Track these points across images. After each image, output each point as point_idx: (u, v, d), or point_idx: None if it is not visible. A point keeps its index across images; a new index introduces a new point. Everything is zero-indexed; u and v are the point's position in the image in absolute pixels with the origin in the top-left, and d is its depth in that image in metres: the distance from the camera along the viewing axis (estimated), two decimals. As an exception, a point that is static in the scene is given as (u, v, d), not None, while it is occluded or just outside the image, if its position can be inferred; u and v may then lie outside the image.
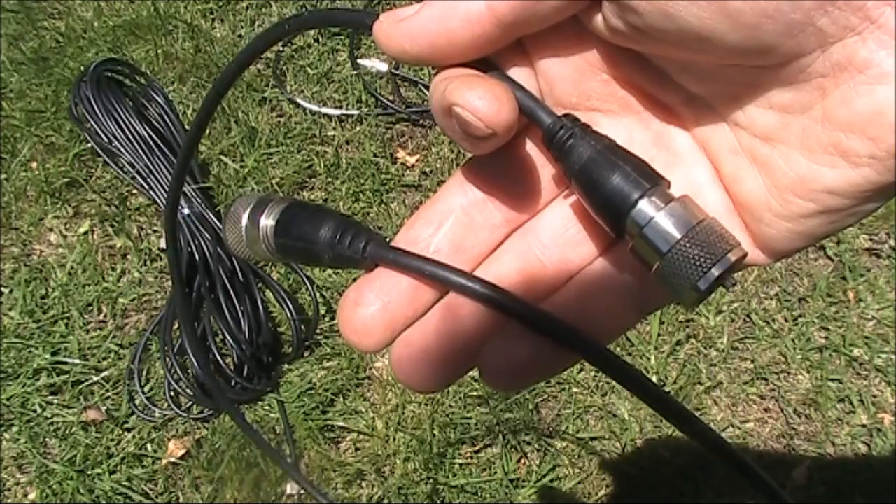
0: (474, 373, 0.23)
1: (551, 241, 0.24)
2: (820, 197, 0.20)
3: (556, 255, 0.24)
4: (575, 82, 0.23)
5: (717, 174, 0.23)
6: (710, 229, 0.20)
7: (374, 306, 0.23)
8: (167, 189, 0.92)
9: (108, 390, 0.89)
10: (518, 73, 0.23)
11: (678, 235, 0.20)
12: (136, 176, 0.93)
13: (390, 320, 0.23)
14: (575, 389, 0.94)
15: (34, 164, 1.02)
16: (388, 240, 0.24)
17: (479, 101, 0.19)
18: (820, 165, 0.20)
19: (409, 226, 0.24)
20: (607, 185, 0.21)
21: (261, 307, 0.88)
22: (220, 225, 0.91)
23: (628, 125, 0.23)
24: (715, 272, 0.20)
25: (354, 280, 0.93)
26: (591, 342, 0.22)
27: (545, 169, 0.24)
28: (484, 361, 0.23)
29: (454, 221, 0.24)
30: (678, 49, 0.20)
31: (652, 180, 0.21)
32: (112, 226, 0.98)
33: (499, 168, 0.24)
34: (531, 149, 0.24)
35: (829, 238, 1.04)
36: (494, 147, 0.21)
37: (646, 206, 0.21)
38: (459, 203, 0.24)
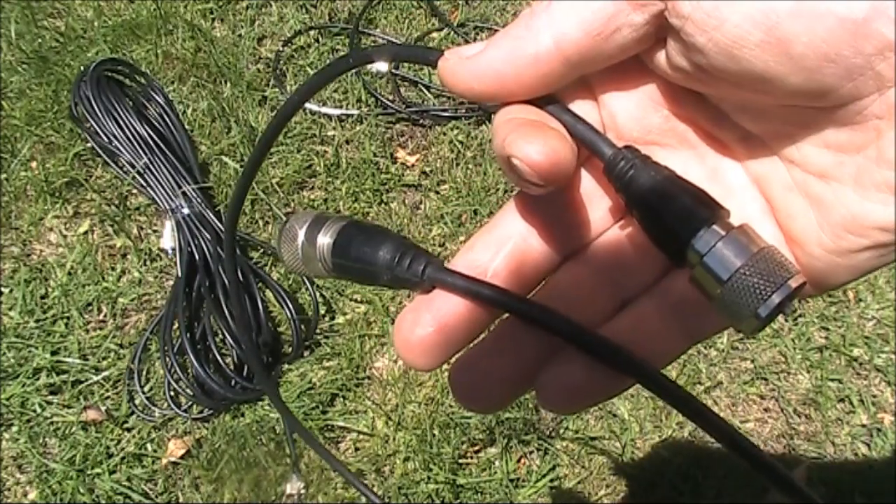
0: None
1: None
2: (871, 233, 0.21)
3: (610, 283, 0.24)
4: (637, 118, 0.24)
5: (769, 209, 0.23)
6: (770, 257, 0.21)
7: (431, 328, 0.23)
8: (167, 189, 0.92)
9: (108, 390, 0.89)
10: (581, 106, 0.23)
11: (739, 263, 0.21)
12: (137, 176, 0.93)
13: (447, 342, 0.23)
14: (575, 389, 0.94)
15: (34, 164, 1.02)
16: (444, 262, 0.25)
17: (538, 155, 0.20)
18: (873, 203, 0.20)
19: (468, 249, 0.24)
20: (668, 215, 0.22)
21: (261, 307, 0.88)
22: (219, 225, 0.91)
23: (685, 159, 0.24)
24: (776, 299, 0.20)
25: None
26: (646, 367, 0.22)
27: (603, 200, 0.25)
28: (541, 384, 0.23)
29: (513, 247, 0.24)
30: (739, 89, 0.21)
31: (712, 210, 0.22)
32: (112, 226, 0.99)
33: (557, 198, 0.24)
34: (587, 179, 0.25)
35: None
36: (551, 191, 0.22)
37: (707, 235, 0.21)
38: (518, 229, 0.24)
